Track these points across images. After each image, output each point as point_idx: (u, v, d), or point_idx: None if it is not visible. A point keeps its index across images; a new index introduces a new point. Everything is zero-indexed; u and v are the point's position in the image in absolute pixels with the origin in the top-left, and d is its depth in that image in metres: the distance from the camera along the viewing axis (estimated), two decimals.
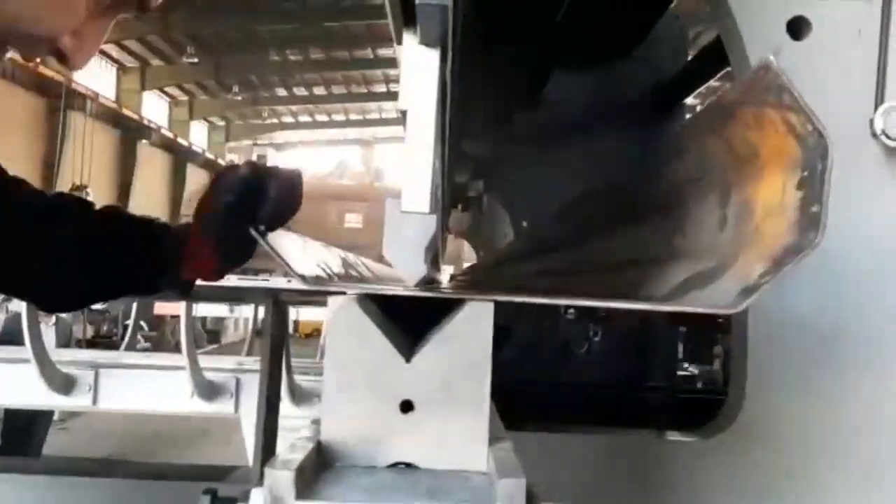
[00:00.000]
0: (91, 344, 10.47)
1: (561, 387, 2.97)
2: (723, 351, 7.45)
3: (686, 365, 7.36)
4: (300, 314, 9.76)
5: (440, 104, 0.86)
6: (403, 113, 0.75)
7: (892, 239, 1.59)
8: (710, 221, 1.16)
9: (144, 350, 7.61)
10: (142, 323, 11.07)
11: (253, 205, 0.98)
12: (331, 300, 0.78)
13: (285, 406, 2.18)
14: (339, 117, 39.31)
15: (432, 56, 0.75)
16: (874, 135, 1.57)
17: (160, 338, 11.12)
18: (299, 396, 2.22)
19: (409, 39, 0.76)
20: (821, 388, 1.64)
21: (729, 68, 1.90)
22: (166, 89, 31.23)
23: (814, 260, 1.60)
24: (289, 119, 39.78)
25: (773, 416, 1.65)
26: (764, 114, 0.91)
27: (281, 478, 0.64)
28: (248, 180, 1.01)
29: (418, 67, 0.75)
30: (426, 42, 0.75)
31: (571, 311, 3.76)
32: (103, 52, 25.93)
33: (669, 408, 2.75)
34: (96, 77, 25.52)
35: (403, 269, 0.75)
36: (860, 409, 1.63)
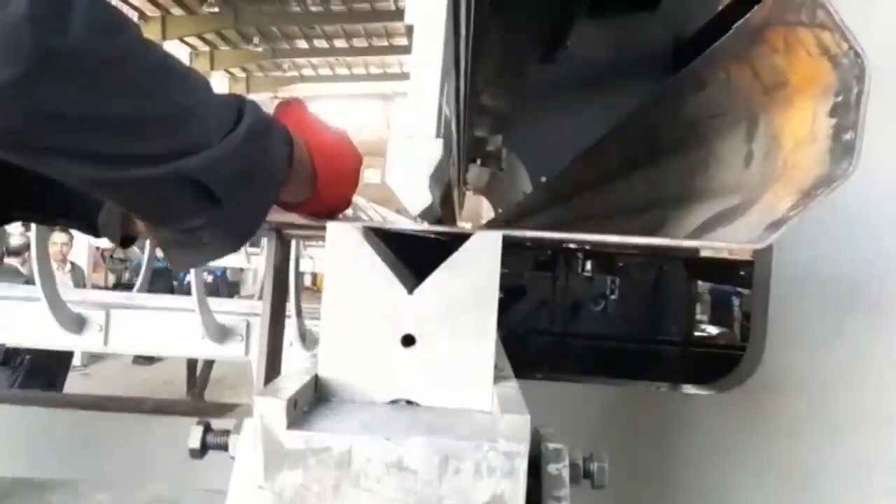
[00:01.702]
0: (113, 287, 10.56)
1: (578, 339, 2.94)
2: (741, 313, 7.43)
3: (705, 327, 7.33)
4: (317, 266, 9.72)
5: (453, 22, 0.81)
6: (409, 28, 0.70)
7: None
8: (735, 157, 1.10)
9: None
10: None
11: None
12: (330, 226, 0.74)
13: (296, 350, 2.17)
14: (360, 71, 38.94)
15: None
16: None
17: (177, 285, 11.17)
18: (310, 341, 2.20)
19: None
20: (842, 340, 1.59)
21: None
22: (187, 39, 31.01)
23: (842, 208, 1.54)
24: (309, 72, 39.46)
25: (794, 369, 1.61)
26: (795, 34, 0.85)
27: (272, 406, 0.60)
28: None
29: None
30: None
31: (588, 269, 3.72)
32: (124, 0, 25.79)
33: (685, 361, 2.72)
34: None
35: (406, 198, 0.70)
36: (882, 363, 1.58)
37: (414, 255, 0.90)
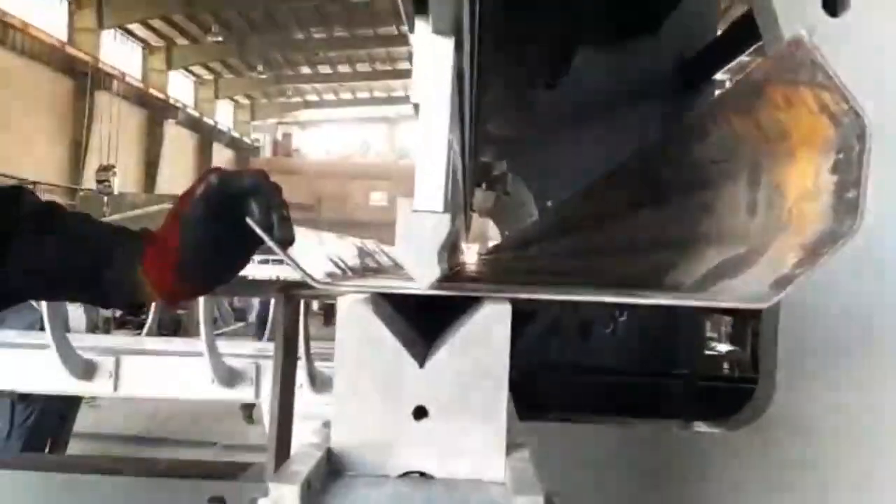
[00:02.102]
0: (121, 324, 10.60)
1: (583, 374, 2.93)
2: (751, 333, 7.34)
3: (715, 345, 7.23)
4: None
5: (457, 94, 0.82)
6: (416, 106, 0.71)
7: None
8: (739, 205, 1.11)
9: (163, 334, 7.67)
10: None
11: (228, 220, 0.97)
12: (340, 301, 0.74)
13: (305, 393, 2.17)
14: (364, 95, 39.21)
15: (446, 45, 0.71)
16: None
17: (188, 318, 11.19)
18: (320, 384, 2.20)
19: (422, 28, 0.71)
20: (856, 376, 1.57)
21: (761, 42, 1.83)
22: (192, 68, 31.34)
23: (850, 244, 1.54)
24: (313, 97, 39.77)
25: (806, 406, 1.59)
26: (795, 92, 0.85)
27: (286, 493, 0.61)
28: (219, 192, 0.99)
29: (431, 58, 0.70)
30: (439, 30, 0.70)
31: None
32: (129, 32, 26.09)
33: (695, 396, 2.70)
34: (123, 57, 25.68)
35: (416, 272, 0.71)
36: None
37: (424, 307, 0.91)
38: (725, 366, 6.47)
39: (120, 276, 1.02)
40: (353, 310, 0.74)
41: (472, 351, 0.72)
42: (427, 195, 0.71)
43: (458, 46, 0.73)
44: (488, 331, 0.72)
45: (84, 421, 6.95)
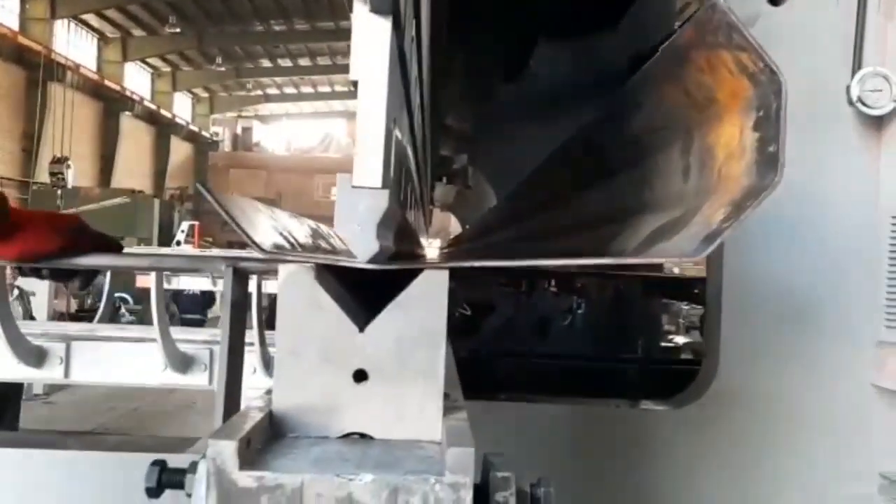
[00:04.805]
0: (75, 318, 10.41)
1: (539, 358, 2.97)
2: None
3: (672, 338, 7.35)
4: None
5: (400, 74, 0.84)
6: (355, 83, 0.73)
7: (866, 205, 1.59)
8: (674, 171, 1.14)
9: (129, 323, 7.57)
10: (127, 296, 11.04)
11: None
12: (281, 268, 0.76)
13: (258, 378, 2.17)
14: (325, 89, 38.94)
15: (383, 24, 0.73)
16: (850, 102, 1.56)
17: (145, 311, 11.03)
18: (273, 368, 2.20)
19: (359, 7, 0.73)
20: (794, 354, 1.64)
21: None
22: (148, 60, 30.81)
23: (788, 226, 1.60)
24: (274, 91, 39.39)
25: (747, 383, 1.65)
26: (716, 55, 0.89)
27: (224, 448, 0.62)
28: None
29: (368, 36, 0.72)
30: (376, 9, 0.72)
31: (553, 284, 3.77)
32: (83, 22, 25.56)
33: (645, 378, 2.76)
34: (77, 48, 25.15)
35: (355, 246, 0.73)
36: (833, 375, 1.63)
37: (367, 285, 0.92)
38: (682, 356, 6.58)
39: None
40: (294, 276, 0.76)
41: (411, 315, 0.74)
42: (366, 171, 0.73)
43: (397, 26, 0.75)
44: (427, 295, 0.74)
45: (38, 417, 6.84)
